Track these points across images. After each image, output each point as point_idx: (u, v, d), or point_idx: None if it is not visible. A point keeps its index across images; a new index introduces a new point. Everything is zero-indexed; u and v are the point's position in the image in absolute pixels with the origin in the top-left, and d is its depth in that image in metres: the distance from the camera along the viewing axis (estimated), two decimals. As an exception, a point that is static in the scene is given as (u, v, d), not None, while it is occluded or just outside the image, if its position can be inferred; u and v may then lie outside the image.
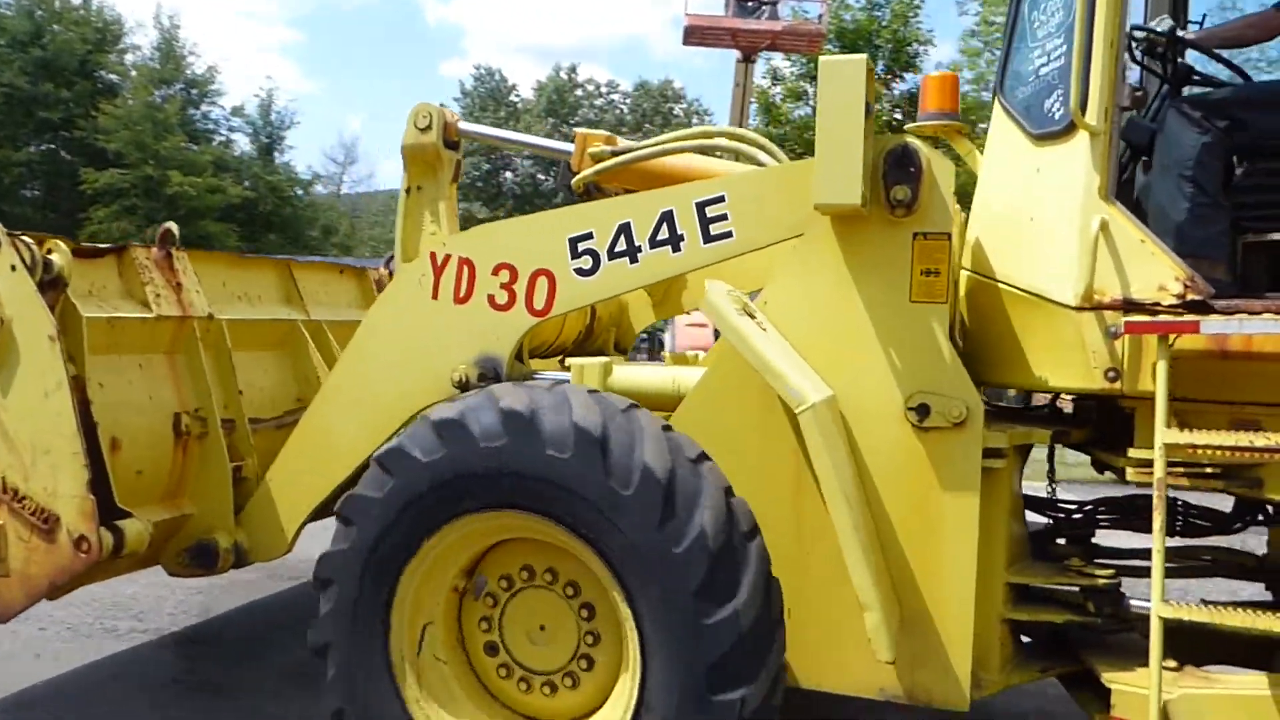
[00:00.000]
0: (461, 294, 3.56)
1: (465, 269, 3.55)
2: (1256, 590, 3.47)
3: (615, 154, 3.88)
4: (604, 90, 49.69)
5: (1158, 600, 2.53)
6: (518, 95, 48.35)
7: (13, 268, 3.26)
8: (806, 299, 3.09)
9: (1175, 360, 2.66)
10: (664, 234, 3.31)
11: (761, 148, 3.64)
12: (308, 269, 4.91)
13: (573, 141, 4.13)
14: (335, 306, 4.92)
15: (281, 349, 4.47)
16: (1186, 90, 3.42)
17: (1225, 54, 3.41)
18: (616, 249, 3.36)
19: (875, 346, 3.01)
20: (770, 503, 3.03)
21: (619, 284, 3.43)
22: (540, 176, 44.51)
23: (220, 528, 3.84)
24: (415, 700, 2.98)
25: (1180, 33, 3.35)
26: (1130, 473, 2.90)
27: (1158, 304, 2.77)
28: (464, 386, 3.53)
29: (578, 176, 3.99)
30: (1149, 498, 3.60)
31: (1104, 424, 3.23)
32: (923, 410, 2.94)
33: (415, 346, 3.62)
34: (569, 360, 3.55)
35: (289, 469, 3.81)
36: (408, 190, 4.23)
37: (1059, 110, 2.94)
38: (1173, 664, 3.07)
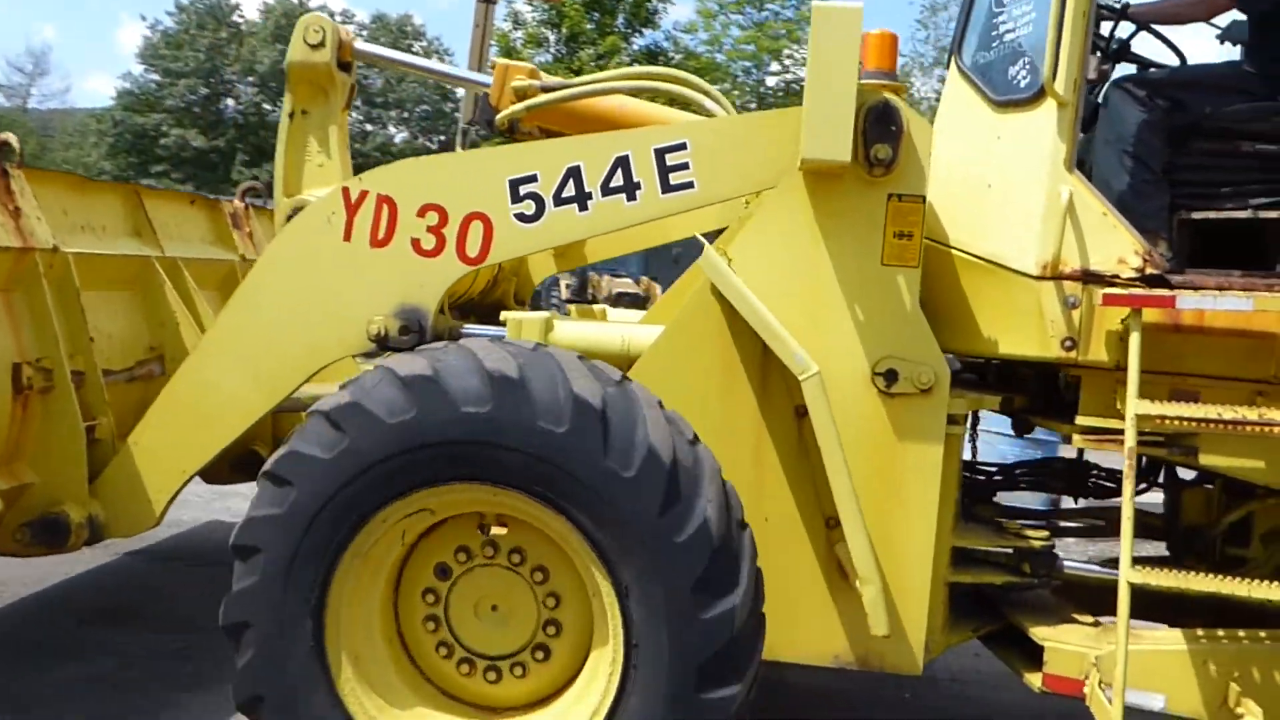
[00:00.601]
0: (380, 236, 3.16)
1: (385, 208, 3.15)
2: (1155, 548, 3.70)
3: (546, 90, 3.55)
4: (338, 19, 46.64)
5: (1126, 566, 2.60)
6: (241, 16, 44.36)
7: None
8: (776, 256, 2.94)
9: (1114, 331, 2.75)
10: (618, 180, 3.06)
11: (707, 93, 3.44)
12: (158, 197, 4.26)
13: (485, 72, 3.76)
14: (189, 242, 4.31)
15: (133, 289, 3.87)
16: (1121, 67, 3.52)
17: (1168, 33, 3.52)
18: (564, 194, 3.08)
19: (844, 309, 2.92)
20: (730, 468, 2.88)
21: (566, 232, 3.15)
22: (267, 106, 40.85)
23: (71, 498, 3.29)
24: (350, 688, 2.65)
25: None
26: (1077, 439, 2.98)
27: (1116, 276, 2.83)
28: (381, 340, 3.16)
29: (503, 113, 3.63)
30: (1067, 461, 3.80)
31: (1041, 391, 3.31)
32: (890, 376, 2.88)
33: (322, 293, 3.20)
34: (505, 314, 3.24)
35: (160, 430, 3.30)
36: (291, 114, 3.73)
37: (1025, 78, 2.92)
38: (1089, 619, 3.24)
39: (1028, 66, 2.88)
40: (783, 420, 3.02)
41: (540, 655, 2.74)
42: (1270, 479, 2.82)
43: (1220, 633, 2.93)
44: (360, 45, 3.73)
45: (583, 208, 3.08)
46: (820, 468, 2.99)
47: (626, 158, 3.05)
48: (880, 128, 2.82)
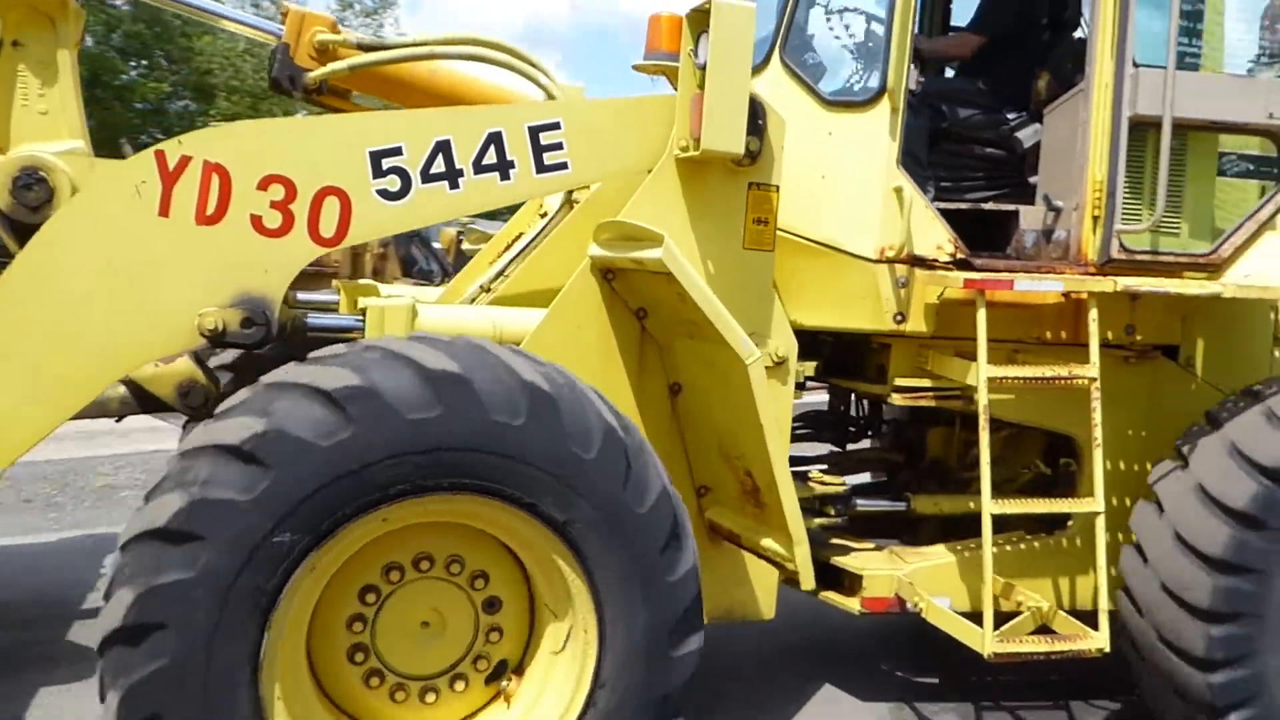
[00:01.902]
0: (210, 212, 2.67)
1: (216, 178, 2.66)
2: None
3: (365, 48, 3.18)
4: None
5: (988, 498, 3.13)
6: None
7: None
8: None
9: (930, 306, 3.30)
10: (491, 158, 2.91)
11: (535, 65, 3.34)
12: None
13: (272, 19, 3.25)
14: None
15: None
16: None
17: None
18: (433, 170, 2.85)
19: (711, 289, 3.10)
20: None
21: (436, 211, 2.91)
22: None
23: None
24: None
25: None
26: (895, 397, 3.48)
27: (936, 260, 3.35)
28: (217, 336, 2.69)
29: (316, 73, 3.18)
30: (833, 412, 4.36)
31: (835, 356, 3.75)
32: (752, 351, 3.13)
33: (131, 281, 2.63)
34: (363, 301, 2.90)
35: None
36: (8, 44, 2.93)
37: (859, 83, 3.30)
38: (870, 545, 3.83)
39: (860, 72, 3.25)
40: (658, 396, 3.15)
41: (481, 664, 2.60)
42: (1024, 417, 3.55)
43: (972, 543, 3.64)
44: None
45: (454, 185, 2.88)
46: (693, 440, 3.19)
47: (500, 134, 2.90)
48: (751, 121, 3.01)
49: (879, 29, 3.26)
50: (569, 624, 2.54)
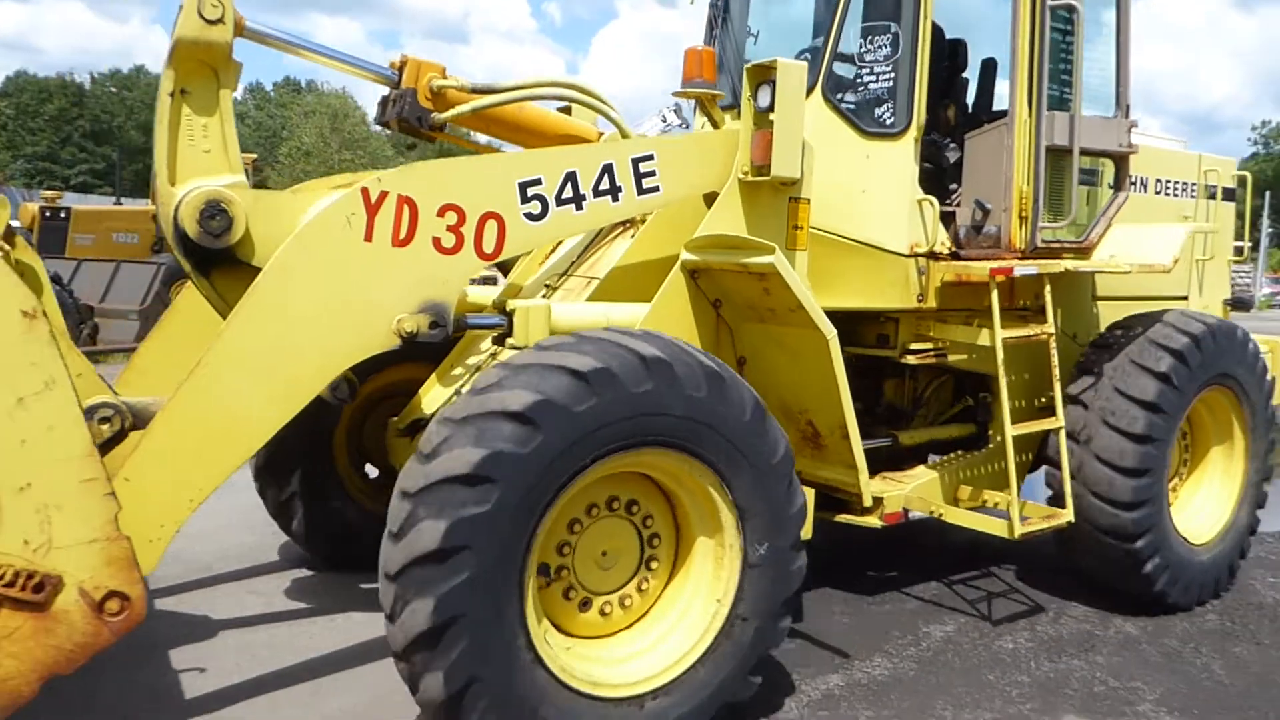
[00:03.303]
0: (402, 236, 3.26)
1: (406, 209, 3.25)
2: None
3: (479, 91, 3.79)
4: None
5: (1008, 423, 4.20)
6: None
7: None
8: (724, 245, 3.84)
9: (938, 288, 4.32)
10: (605, 184, 3.63)
11: (606, 103, 4.05)
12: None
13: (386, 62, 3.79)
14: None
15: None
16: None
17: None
18: (564, 196, 3.54)
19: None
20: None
21: (564, 229, 3.60)
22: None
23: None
24: (543, 645, 2.98)
25: None
26: (909, 358, 4.43)
27: (942, 253, 4.36)
28: (411, 338, 3.29)
29: (446, 115, 3.75)
30: None
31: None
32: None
33: (345, 295, 3.19)
34: (510, 302, 3.53)
35: (160, 461, 2.93)
36: (171, 94, 3.38)
37: (890, 118, 4.22)
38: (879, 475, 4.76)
39: (890, 110, 4.18)
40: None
41: (643, 587, 3.35)
42: (977, 367, 4.62)
43: (943, 460, 4.71)
44: (254, 25, 3.49)
45: (579, 207, 3.58)
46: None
47: (611, 165, 3.63)
48: (796, 151, 3.86)
49: (902, 76, 4.17)
50: (719, 547, 3.32)
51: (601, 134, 4.43)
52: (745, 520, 3.27)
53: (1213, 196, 5.73)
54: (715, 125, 4.21)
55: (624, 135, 4.11)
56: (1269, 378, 5.12)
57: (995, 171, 4.64)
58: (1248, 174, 6.23)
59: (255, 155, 20.90)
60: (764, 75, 3.76)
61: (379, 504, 3.72)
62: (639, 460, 3.13)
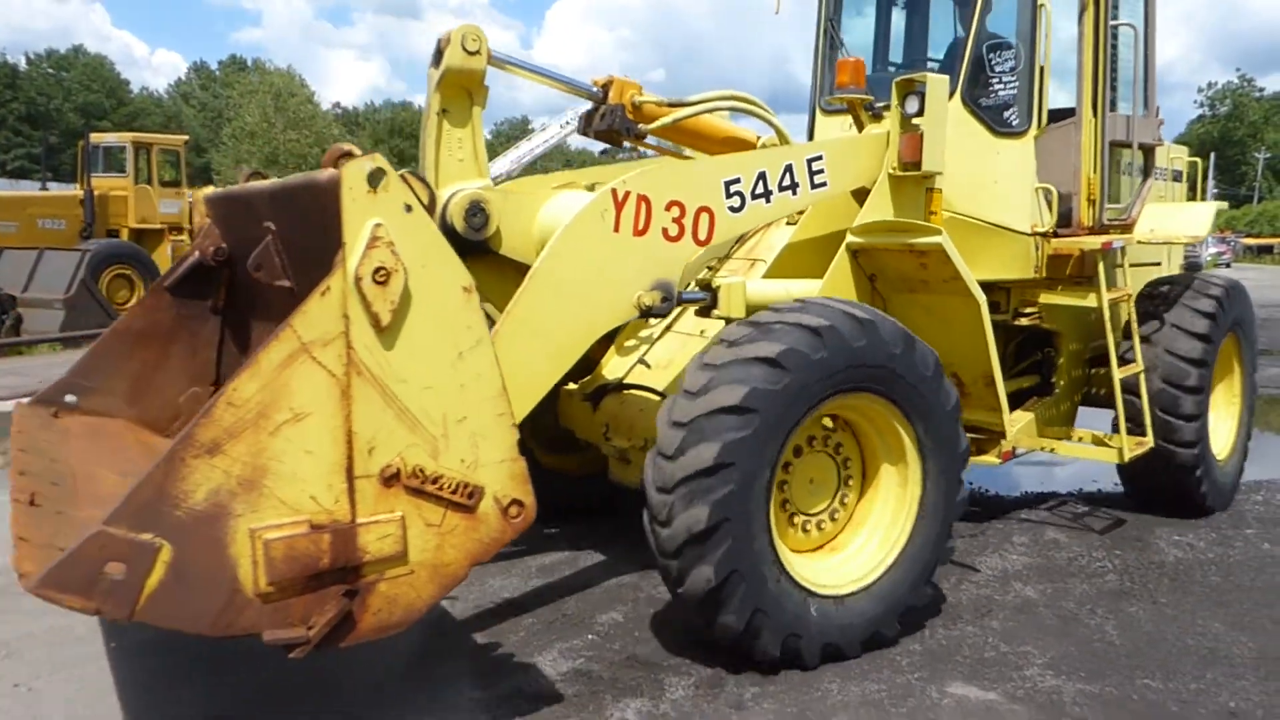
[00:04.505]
0: (640, 227, 3.96)
1: (643, 205, 3.96)
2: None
3: (675, 105, 4.52)
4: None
5: (1116, 369, 5.08)
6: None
7: (407, 208, 2.72)
8: (879, 229, 4.59)
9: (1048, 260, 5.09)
10: (787, 181, 4.35)
11: (768, 111, 4.77)
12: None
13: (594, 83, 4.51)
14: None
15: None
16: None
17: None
18: (757, 191, 4.26)
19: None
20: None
21: (756, 219, 4.32)
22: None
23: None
24: (781, 548, 3.72)
25: None
26: (1022, 320, 5.21)
27: (1050, 233, 5.12)
28: (648, 311, 4.00)
29: (654, 125, 4.48)
30: None
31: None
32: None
33: (600, 275, 3.88)
34: (717, 280, 4.26)
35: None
36: (439, 114, 4.10)
37: (1016, 119, 4.99)
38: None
39: (1016, 113, 4.94)
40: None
41: (838, 512, 4.10)
42: (1058, 326, 5.42)
43: (1040, 402, 5.50)
44: (496, 53, 4.19)
45: (768, 201, 4.30)
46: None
47: (790, 165, 4.35)
48: (932, 147, 4.60)
49: (1023, 85, 4.93)
50: (903, 478, 4.06)
51: (759, 136, 5.15)
52: (925, 456, 4.01)
53: (1177, 179, 6.68)
54: (860, 127, 4.95)
55: (782, 138, 4.84)
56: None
57: (1065, 163, 5.43)
58: (1198, 160, 7.05)
59: (187, 137, 20.72)
60: (910, 86, 4.49)
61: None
62: (849, 403, 3.87)
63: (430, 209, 2.84)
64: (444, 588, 2.89)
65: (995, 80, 5.03)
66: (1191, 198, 6.74)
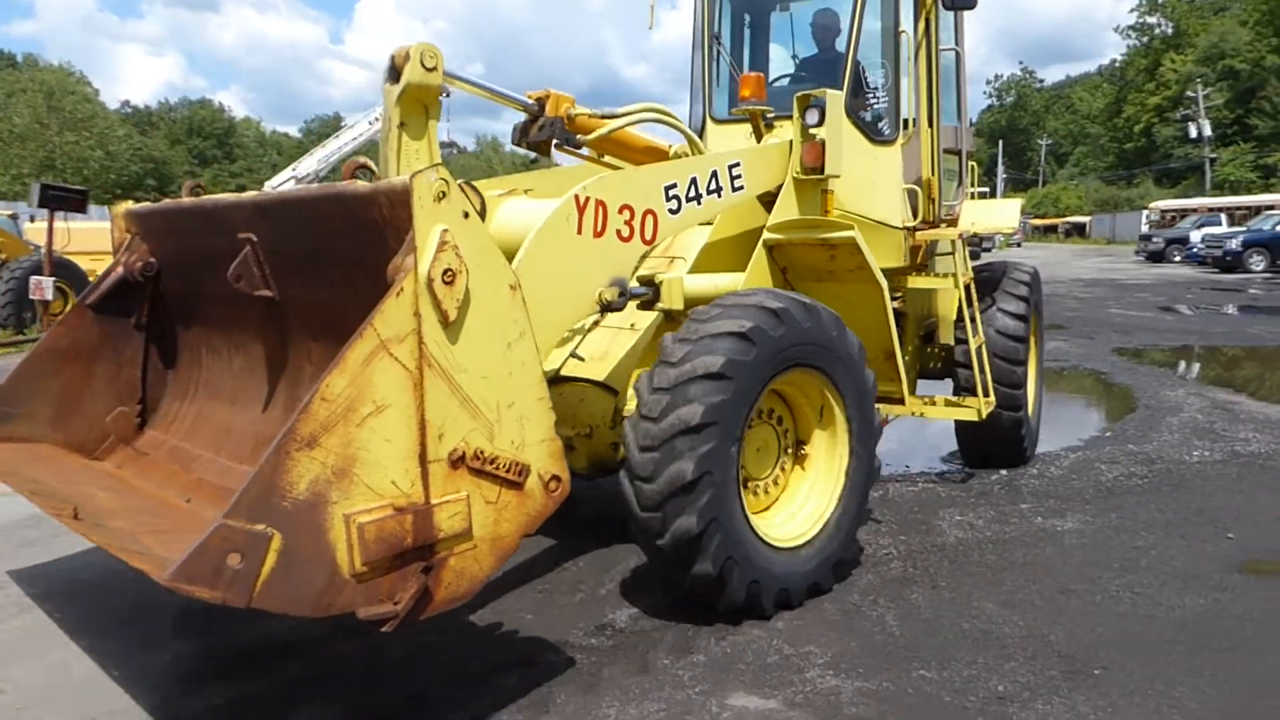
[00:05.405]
0: (598, 229, 4.34)
1: (600, 209, 4.34)
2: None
3: (606, 116, 4.90)
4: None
5: (980, 341, 5.84)
6: None
7: (465, 215, 3.00)
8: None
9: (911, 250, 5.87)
10: (712, 185, 4.86)
11: (680, 121, 5.26)
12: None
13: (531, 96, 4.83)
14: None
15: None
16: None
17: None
18: (689, 195, 4.74)
19: (813, 254, 5.34)
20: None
21: (688, 221, 4.79)
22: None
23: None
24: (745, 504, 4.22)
25: None
26: (896, 304, 5.94)
27: (916, 227, 5.89)
28: (608, 306, 4.39)
29: (592, 136, 4.82)
30: None
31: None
32: (831, 287, 5.42)
33: (568, 275, 4.23)
34: (659, 275, 4.67)
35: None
36: (399, 126, 4.32)
37: (888, 129, 5.69)
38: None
39: (888, 123, 5.64)
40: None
41: (778, 476, 4.64)
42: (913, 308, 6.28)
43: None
44: (447, 70, 4.44)
45: (698, 203, 4.79)
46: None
47: (715, 170, 4.86)
48: (829, 153, 5.26)
49: (892, 100, 5.66)
50: (832, 446, 4.65)
51: (670, 145, 5.61)
52: (852, 427, 4.64)
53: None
54: (759, 136, 5.53)
55: (695, 147, 5.34)
56: None
57: (914, 166, 6.30)
58: (974, 164, 8.20)
59: None
60: (808, 101, 5.11)
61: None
62: (793, 377, 4.42)
63: (482, 215, 3.11)
64: (500, 559, 3.18)
65: (870, 95, 5.77)
66: (991, 184, 8.09)
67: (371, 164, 3.61)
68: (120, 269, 4.85)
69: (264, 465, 2.61)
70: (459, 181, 3.03)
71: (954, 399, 6.26)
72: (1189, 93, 64.90)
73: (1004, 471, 6.80)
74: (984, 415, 5.94)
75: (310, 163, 20.04)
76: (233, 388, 4.56)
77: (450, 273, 2.95)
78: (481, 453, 3.07)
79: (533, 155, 5.27)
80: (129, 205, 4.91)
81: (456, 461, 3.01)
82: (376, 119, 17.23)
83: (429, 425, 2.93)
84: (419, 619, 2.98)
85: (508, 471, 3.15)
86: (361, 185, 3.13)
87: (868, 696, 3.58)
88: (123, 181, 51.10)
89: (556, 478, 3.31)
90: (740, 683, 3.69)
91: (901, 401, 5.48)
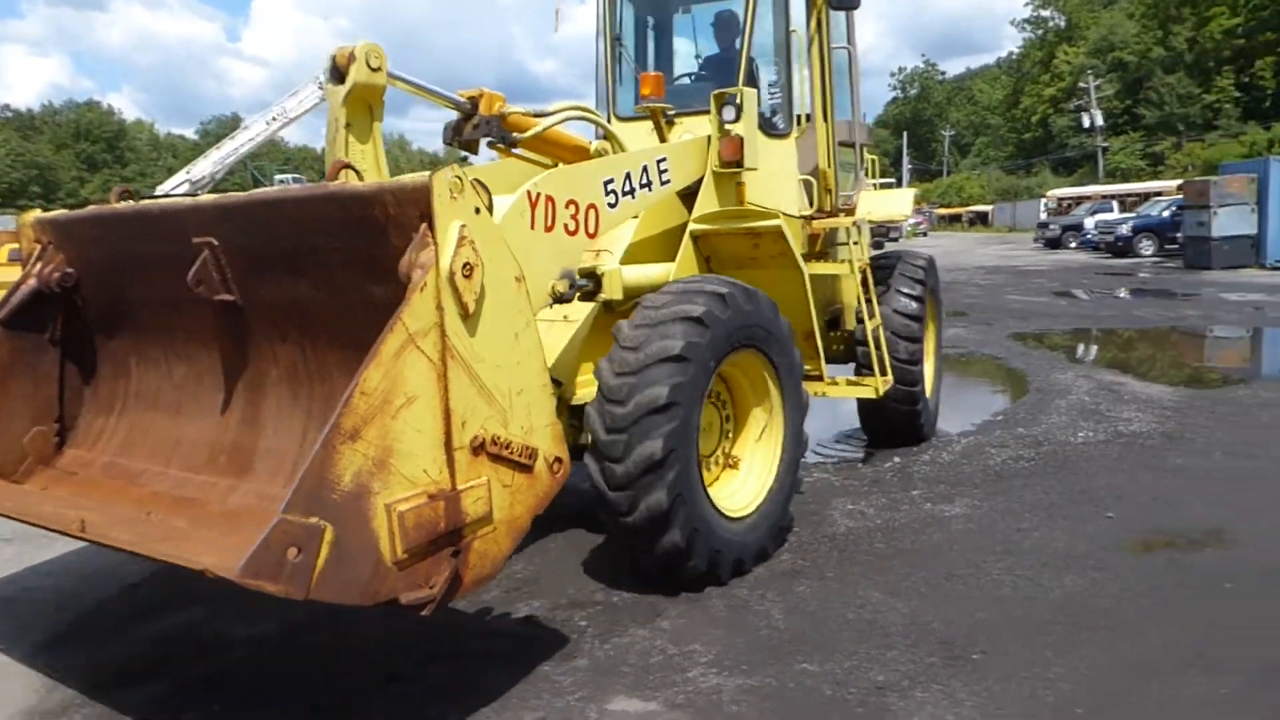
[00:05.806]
0: (549, 224, 4.49)
1: (549, 204, 4.49)
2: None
3: (539, 115, 5.02)
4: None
5: (878, 322, 6.26)
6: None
7: (476, 210, 3.11)
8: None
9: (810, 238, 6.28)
10: (644, 179, 5.10)
11: (599, 117, 5.45)
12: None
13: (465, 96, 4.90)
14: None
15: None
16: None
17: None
18: (625, 189, 4.95)
19: (731, 243, 5.65)
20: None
21: (625, 214, 4.99)
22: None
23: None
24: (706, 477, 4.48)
25: None
26: None
27: (813, 215, 6.29)
28: (559, 297, 4.55)
29: (526, 135, 4.92)
30: None
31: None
32: (747, 274, 5.76)
33: (525, 269, 4.32)
34: (599, 268, 4.83)
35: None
36: (345, 127, 4.35)
37: (782, 124, 6.04)
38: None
39: (783, 118, 5.99)
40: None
41: (718, 455, 4.93)
42: (816, 296, 6.71)
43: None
44: (391, 70, 4.48)
45: (633, 197, 5.01)
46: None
47: (646, 165, 5.10)
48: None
49: (785, 96, 6.02)
50: (771, 418, 4.98)
51: (590, 142, 5.78)
52: (786, 404, 4.98)
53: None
54: (661, 131, 5.81)
55: (616, 144, 5.55)
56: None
57: (809, 159, 6.74)
58: (875, 158, 8.82)
59: None
60: (723, 98, 5.42)
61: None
62: (736, 359, 4.71)
63: (490, 210, 3.22)
64: (516, 539, 3.31)
65: (766, 93, 6.15)
66: (897, 175, 8.62)
67: (353, 165, 3.64)
68: (33, 280, 4.61)
69: (313, 460, 2.66)
70: (471, 179, 3.14)
71: (854, 379, 6.71)
72: (1081, 84, 67.58)
73: (898, 458, 6.95)
74: (882, 392, 6.41)
75: (205, 165, 18.80)
76: (175, 397, 4.43)
77: (469, 266, 3.06)
78: (498, 439, 3.20)
79: (463, 154, 5.35)
80: (37, 214, 4.66)
81: (477, 448, 3.12)
82: (275, 119, 16.43)
83: (453, 414, 3.04)
84: (450, 602, 3.08)
85: (520, 455, 3.28)
86: (363, 184, 3.19)
87: (749, 693, 3.51)
88: (2, 189, 46.26)
89: (559, 459, 3.47)
90: (621, 686, 3.59)
91: (820, 378, 5.87)
